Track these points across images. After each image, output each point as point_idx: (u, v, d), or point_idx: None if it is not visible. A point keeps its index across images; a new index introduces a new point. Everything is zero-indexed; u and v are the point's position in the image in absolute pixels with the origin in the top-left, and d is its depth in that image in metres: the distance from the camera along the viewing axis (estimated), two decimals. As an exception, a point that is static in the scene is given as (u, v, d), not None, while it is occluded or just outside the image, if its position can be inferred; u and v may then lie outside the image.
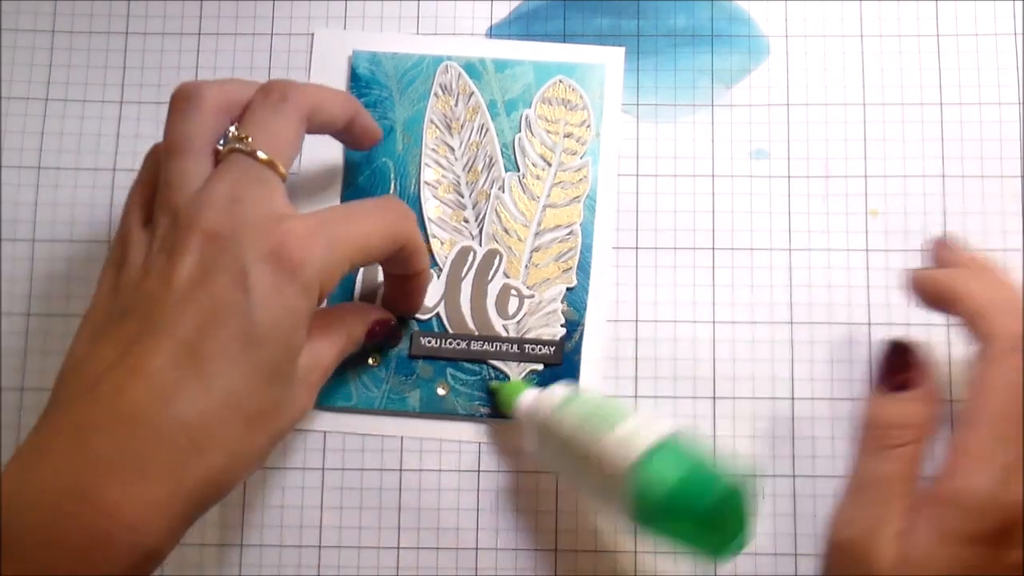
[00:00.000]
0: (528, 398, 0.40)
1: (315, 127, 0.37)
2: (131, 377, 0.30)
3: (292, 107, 0.35)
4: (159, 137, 0.44)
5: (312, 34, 0.45)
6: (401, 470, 0.42)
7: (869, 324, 0.42)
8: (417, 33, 0.45)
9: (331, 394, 0.42)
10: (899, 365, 0.35)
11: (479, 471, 0.42)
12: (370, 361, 0.42)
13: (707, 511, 0.33)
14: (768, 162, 0.44)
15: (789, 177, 0.44)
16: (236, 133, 0.34)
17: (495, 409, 0.42)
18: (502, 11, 0.45)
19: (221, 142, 0.34)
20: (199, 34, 0.46)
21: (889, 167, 0.44)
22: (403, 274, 0.39)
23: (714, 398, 0.42)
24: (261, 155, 0.33)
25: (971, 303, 0.33)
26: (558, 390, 0.39)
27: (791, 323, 0.43)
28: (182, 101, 0.35)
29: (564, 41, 0.45)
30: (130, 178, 0.44)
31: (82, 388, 0.30)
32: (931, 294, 0.35)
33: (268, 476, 0.42)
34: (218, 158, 0.34)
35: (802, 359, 0.42)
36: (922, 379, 0.34)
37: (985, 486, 0.30)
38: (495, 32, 0.45)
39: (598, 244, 0.43)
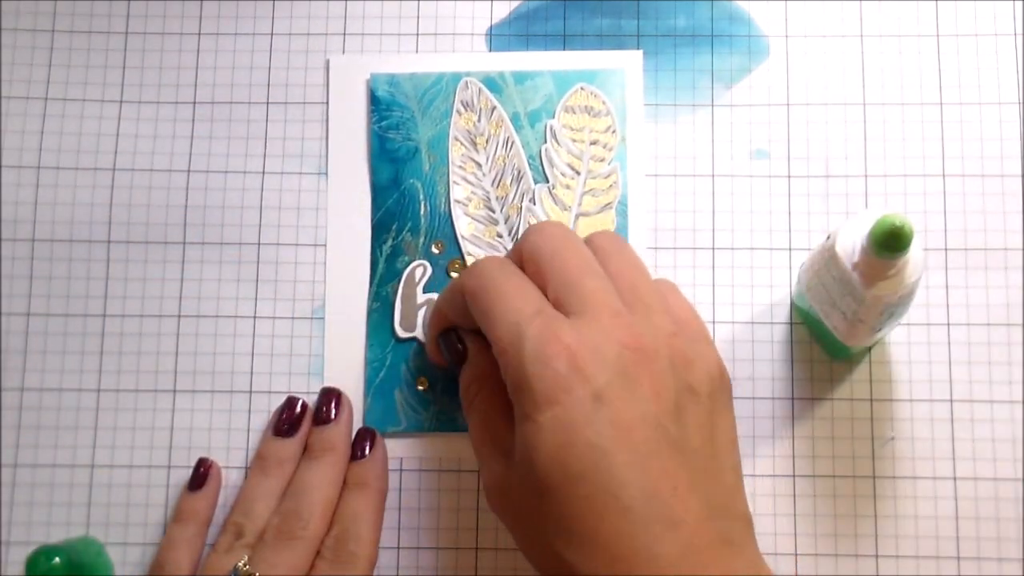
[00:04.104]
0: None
1: None
2: None
3: (305, 543, 0.38)
4: (159, 137, 0.44)
5: (328, 60, 0.45)
6: (401, 470, 0.42)
7: (869, 324, 0.42)
8: (417, 33, 0.45)
9: (380, 420, 0.42)
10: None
11: (479, 471, 0.42)
12: (419, 387, 0.42)
13: None
14: (768, 162, 0.44)
15: (789, 177, 0.44)
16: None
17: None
18: (502, 11, 0.45)
19: None
20: (199, 34, 0.46)
21: (889, 166, 0.44)
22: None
23: (714, 398, 0.42)
24: None
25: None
26: None
27: (791, 323, 0.43)
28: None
29: (564, 42, 0.45)
30: (129, 178, 0.44)
31: None
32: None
33: (268, 476, 0.42)
34: None
35: (802, 359, 0.42)
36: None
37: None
38: (495, 32, 0.45)
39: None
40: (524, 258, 0.35)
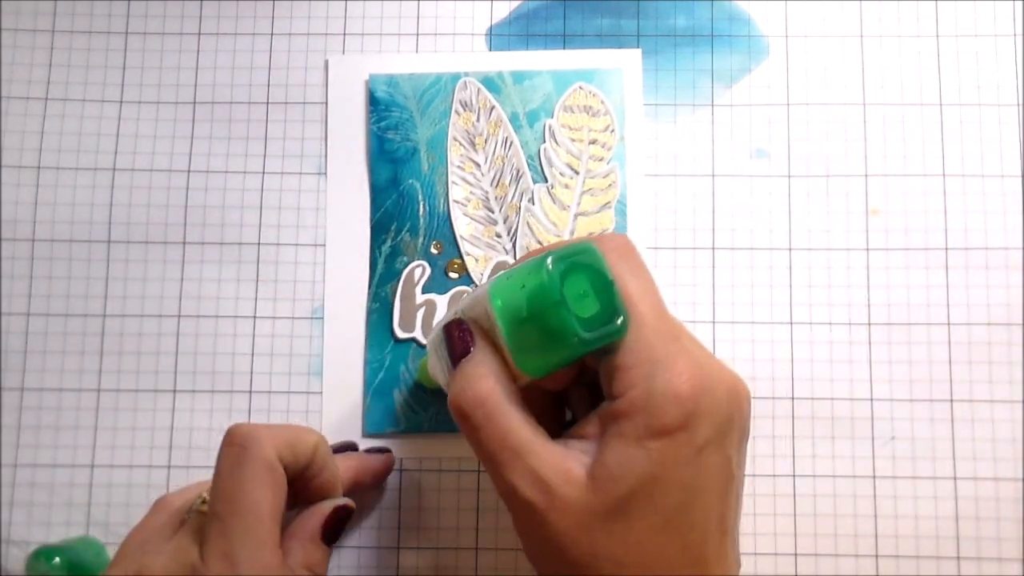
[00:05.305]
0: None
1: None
2: None
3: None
4: (159, 137, 0.45)
5: (327, 60, 0.45)
6: (401, 470, 0.42)
7: (869, 324, 0.42)
8: (417, 33, 0.45)
9: (379, 421, 0.42)
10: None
11: (479, 471, 0.42)
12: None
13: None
14: (768, 162, 0.44)
15: (789, 177, 0.44)
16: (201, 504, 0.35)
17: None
18: (502, 11, 0.45)
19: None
20: (199, 34, 0.46)
21: (889, 166, 0.44)
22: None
23: (714, 398, 0.42)
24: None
25: None
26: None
27: (791, 323, 0.43)
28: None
29: (564, 42, 0.45)
30: (129, 178, 0.44)
31: None
32: None
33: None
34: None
35: (802, 359, 0.42)
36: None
37: (658, 387, 0.30)
38: (495, 32, 0.45)
39: None
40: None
